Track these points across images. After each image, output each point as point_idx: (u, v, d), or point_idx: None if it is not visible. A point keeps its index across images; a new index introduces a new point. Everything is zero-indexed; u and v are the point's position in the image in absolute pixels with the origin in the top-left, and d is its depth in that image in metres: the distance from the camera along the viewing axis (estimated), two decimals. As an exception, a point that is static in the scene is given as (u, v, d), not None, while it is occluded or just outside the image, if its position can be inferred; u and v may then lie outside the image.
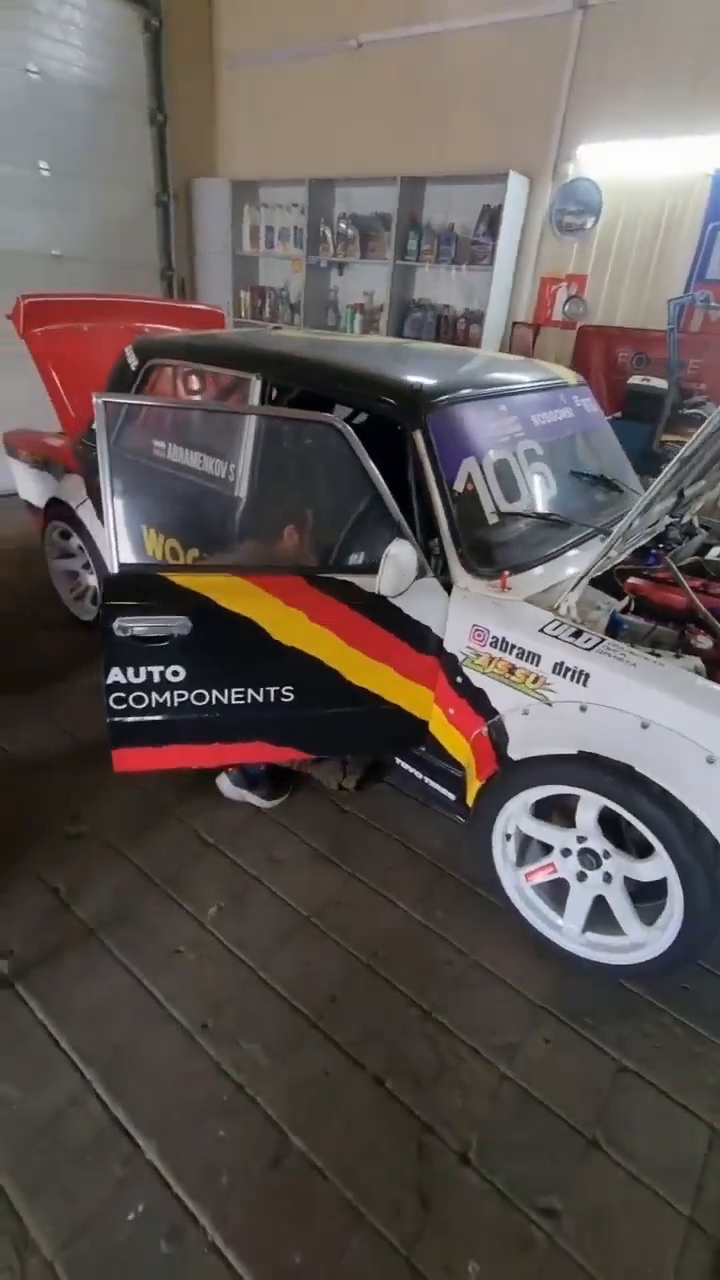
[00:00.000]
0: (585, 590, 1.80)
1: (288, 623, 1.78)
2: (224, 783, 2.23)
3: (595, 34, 3.63)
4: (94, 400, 1.55)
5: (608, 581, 1.97)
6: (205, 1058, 1.54)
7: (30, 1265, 1.20)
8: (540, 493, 2.10)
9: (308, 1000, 1.67)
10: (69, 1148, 1.36)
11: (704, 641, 1.77)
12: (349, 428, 1.72)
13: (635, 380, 3.71)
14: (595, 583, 1.87)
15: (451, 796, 2.07)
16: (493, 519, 1.93)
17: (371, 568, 1.81)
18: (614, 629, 1.81)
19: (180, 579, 1.71)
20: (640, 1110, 1.50)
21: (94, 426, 2.76)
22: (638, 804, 1.55)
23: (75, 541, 3.03)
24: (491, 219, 4.10)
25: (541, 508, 2.08)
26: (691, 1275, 1.24)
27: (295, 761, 2.29)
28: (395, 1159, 1.39)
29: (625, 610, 1.90)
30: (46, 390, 3.12)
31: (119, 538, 1.64)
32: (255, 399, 2.21)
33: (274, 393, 2.19)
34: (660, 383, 3.64)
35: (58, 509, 3.05)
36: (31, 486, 3.41)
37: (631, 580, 1.99)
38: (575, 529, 2.12)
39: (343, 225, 4.75)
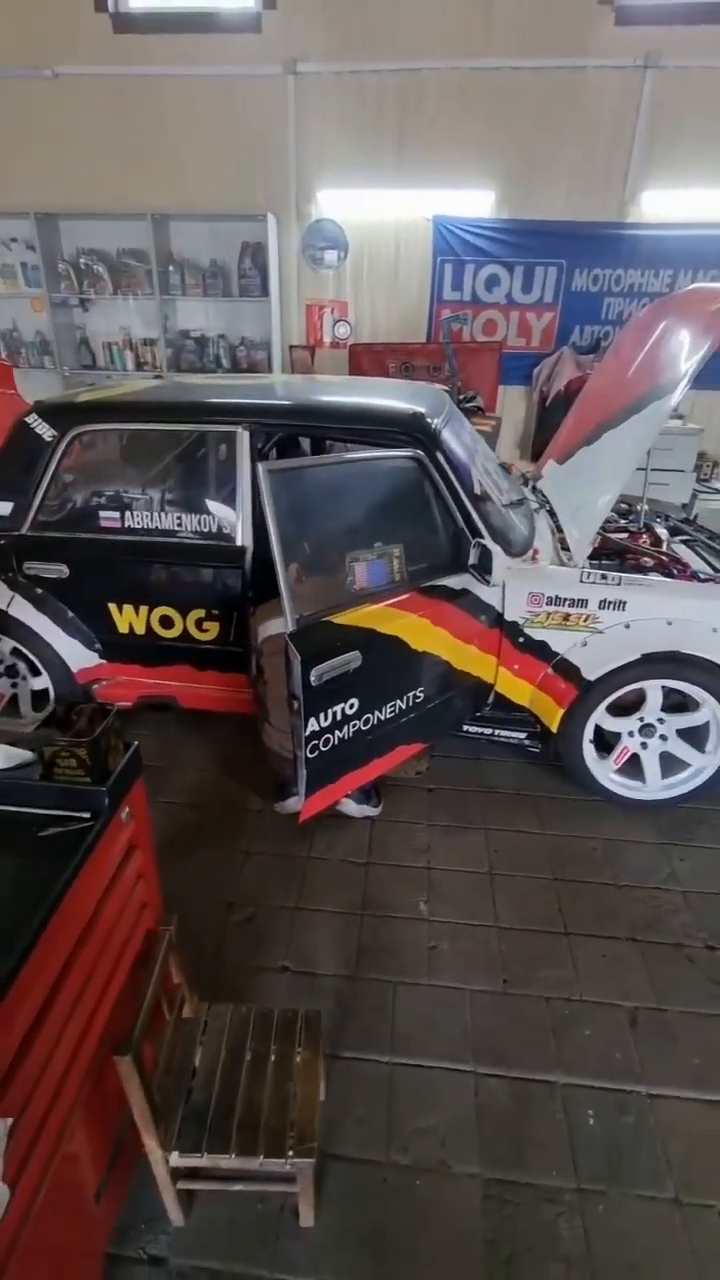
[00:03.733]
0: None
1: (420, 631, 2.03)
2: (350, 805, 2.32)
3: (308, 96, 4.17)
4: (260, 469, 1.56)
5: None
6: (526, 1000, 1.79)
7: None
8: (500, 482, 2.65)
9: (545, 921, 2.02)
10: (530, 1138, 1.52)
11: (647, 563, 2.54)
12: (426, 455, 2.02)
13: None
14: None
15: (522, 735, 2.55)
16: (503, 509, 2.42)
17: (453, 568, 2.16)
18: None
19: (341, 618, 1.82)
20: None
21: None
22: (687, 674, 2.24)
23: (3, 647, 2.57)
24: (255, 253, 4.41)
25: (507, 495, 2.63)
26: None
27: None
28: (676, 970, 1.86)
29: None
30: None
31: (288, 598, 1.68)
32: (244, 449, 2.29)
33: (263, 440, 2.30)
34: (440, 386, 4.46)
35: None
36: None
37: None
38: (527, 504, 2.73)
39: (85, 261, 4.52)
